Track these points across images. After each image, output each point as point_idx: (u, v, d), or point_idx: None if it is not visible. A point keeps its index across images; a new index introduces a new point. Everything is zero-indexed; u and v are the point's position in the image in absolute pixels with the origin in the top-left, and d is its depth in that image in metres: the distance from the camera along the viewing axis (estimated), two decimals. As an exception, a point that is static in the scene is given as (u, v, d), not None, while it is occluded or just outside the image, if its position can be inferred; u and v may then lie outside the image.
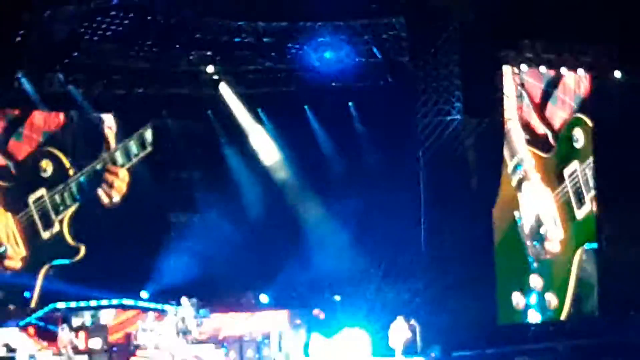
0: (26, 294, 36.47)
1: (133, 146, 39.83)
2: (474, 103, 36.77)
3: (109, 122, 39.09)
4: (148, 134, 40.11)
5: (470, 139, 37.52)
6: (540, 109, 39.72)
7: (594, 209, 40.86)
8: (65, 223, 37.89)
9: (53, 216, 37.78)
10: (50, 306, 34.94)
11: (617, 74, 41.35)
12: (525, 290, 38.51)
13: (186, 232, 40.63)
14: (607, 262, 41.42)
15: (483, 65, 36.72)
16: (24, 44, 33.47)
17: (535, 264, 39.40)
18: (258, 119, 41.10)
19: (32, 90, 36.30)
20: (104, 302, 35.50)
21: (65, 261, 37.23)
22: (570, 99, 40.39)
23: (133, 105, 39.34)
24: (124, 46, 37.25)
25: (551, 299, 39.62)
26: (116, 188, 39.31)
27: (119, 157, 39.41)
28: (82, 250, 37.77)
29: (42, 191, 37.43)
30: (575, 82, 40.48)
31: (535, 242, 39.38)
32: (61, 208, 37.93)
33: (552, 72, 40.01)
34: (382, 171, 38.57)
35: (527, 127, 38.99)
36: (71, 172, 38.38)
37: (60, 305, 34.88)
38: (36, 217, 37.35)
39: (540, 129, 39.78)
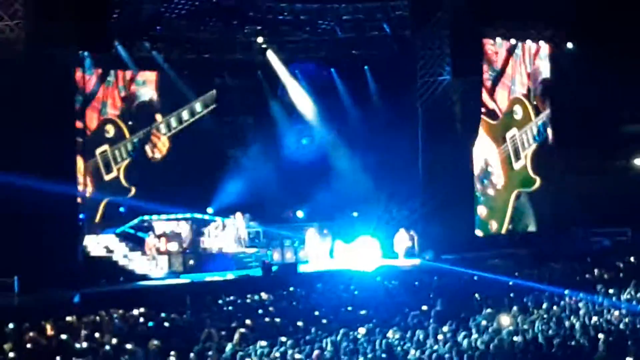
0: (121, 209, 36.92)
1: (198, 106, 40.28)
2: (460, 67, 36.47)
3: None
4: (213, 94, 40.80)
5: (456, 94, 37.37)
6: (490, 92, 40.69)
7: (528, 163, 41.68)
8: (122, 170, 38.22)
9: (113, 165, 37.94)
10: (139, 218, 34.96)
11: (570, 45, 42.07)
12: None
13: (240, 163, 40.75)
14: (559, 191, 42.52)
15: (467, 38, 36.48)
16: (119, 20, 33.61)
17: (481, 198, 40.39)
18: (295, 79, 41.43)
19: (125, 55, 36.73)
20: (180, 216, 35.16)
21: (119, 198, 37.26)
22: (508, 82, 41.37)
23: (201, 67, 39.77)
24: (195, 22, 37.55)
25: (492, 224, 40.75)
26: (159, 149, 39.82)
27: (163, 127, 39.54)
28: (133, 190, 37.80)
29: (105, 147, 37.52)
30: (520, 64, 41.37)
31: (482, 182, 40.38)
32: (119, 160, 38.15)
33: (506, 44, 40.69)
34: (390, 118, 38.71)
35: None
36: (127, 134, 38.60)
37: (147, 217, 34.94)
38: (100, 164, 37.31)
39: (490, 104, 40.73)
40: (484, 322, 21.73)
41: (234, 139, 41.96)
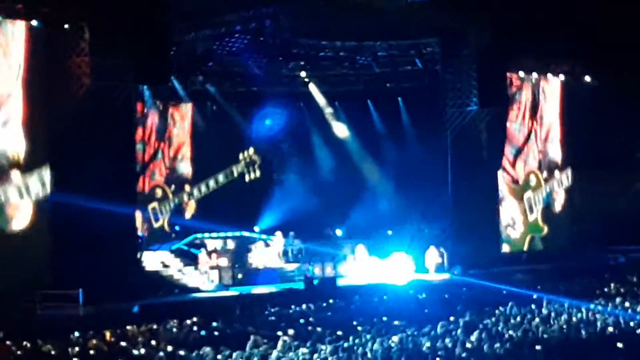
0: (176, 227, 36.87)
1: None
2: (485, 98, 36.45)
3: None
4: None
5: (482, 123, 37.50)
6: (512, 164, 41.16)
7: (539, 216, 41.94)
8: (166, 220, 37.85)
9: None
10: (193, 236, 34.97)
11: (587, 78, 41.82)
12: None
13: (283, 187, 41.13)
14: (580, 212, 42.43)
15: (492, 72, 36.44)
16: (176, 57, 33.61)
17: (507, 240, 40.39)
18: (335, 108, 41.39)
19: (180, 89, 36.92)
20: (229, 234, 35.39)
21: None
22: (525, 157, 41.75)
23: (249, 99, 40.07)
24: (244, 58, 37.18)
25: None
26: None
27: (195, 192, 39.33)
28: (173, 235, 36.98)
29: (154, 204, 37.12)
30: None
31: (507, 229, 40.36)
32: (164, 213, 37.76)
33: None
34: (421, 145, 38.71)
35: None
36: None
37: (199, 235, 35.05)
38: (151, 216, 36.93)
39: (512, 173, 41.01)
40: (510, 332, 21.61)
41: (278, 163, 42.10)
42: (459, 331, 21.64)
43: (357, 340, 20.63)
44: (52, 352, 20.59)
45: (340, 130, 41.30)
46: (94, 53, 28.99)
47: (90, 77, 28.95)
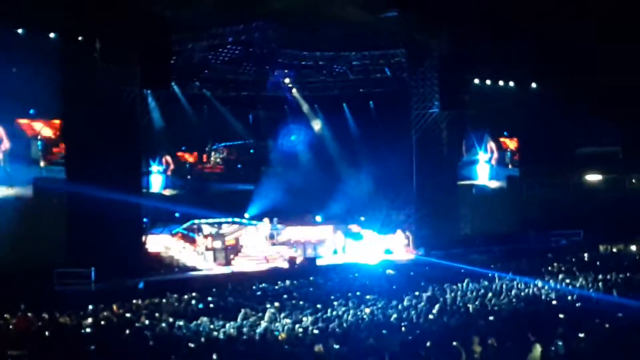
0: (176, 214, 36.47)
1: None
2: (446, 101, 36.40)
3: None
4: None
5: (443, 123, 37.36)
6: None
7: None
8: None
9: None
10: (190, 222, 34.78)
11: (534, 84, 42.02)
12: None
13: (269, 178, 40.86)
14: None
15: (452, 78, 36.34)
16: (176, 65, 33.50)
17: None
18: (314, 110, 41.35)
19: (179, 93, 36.76)
20: (223, 220, 35.31)
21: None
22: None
23: (240, 102, 39.96)
24: (235, 66, 37.56)
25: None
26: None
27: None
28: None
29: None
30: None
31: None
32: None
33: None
34: (389, 142, 38.41)
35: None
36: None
37: (197, 220, 34.83)
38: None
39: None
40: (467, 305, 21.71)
41: (264, 159, 42.05)
42: (422, 304, 21.76)
43: (334, 313, 20.72)
44: (68, 323, 20.57)
45: (316, 124, 41.18)
46: (104, 61, 28.97)
47: (101, 82, 28.93)
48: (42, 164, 29.13)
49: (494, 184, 41.59)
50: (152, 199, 34.45)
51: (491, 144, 41.47)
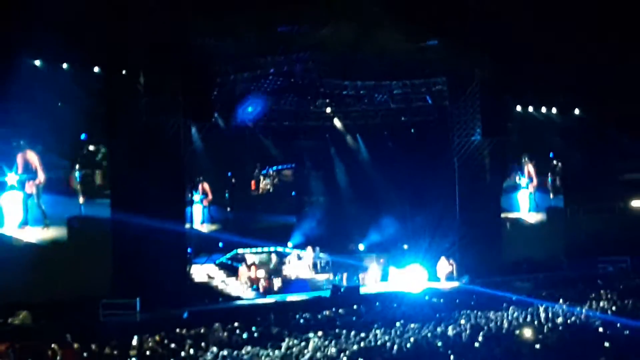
0: (220, 244, 36.75)
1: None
2: (488, 129, 36.34)
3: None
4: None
5: (486, 151, 37.18)
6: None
7: None
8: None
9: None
10: (234, 251, 35.00)
11: (577, 111, 41.67)
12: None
13: (313, 208, 41.16)
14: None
15: (494, 105, 36.24)
16: (218, 96, 33.80)
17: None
18: (356, 139, 41.37)
19: (222, 124, 36.65)
20: (266, 249, 35.47)
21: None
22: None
23: (284, 132, 40.18)
24: (277, 97, 37.64)
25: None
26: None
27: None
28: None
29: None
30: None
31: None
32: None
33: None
34: (432, 170, 38.07)
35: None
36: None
37: (240, 250, 35.08)
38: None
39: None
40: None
41: (307, 188, 41.98)
42: (467, 332, 21.53)
43: (378, 342, 20.57)
44: (114, 353, 20.64)
45: (360, 157, 41.03)
46: (148, 93, 29.28)
47: (145, 114, 29.22)
48: (80, 199, 29.12)
49: (535, 217, 41.09)
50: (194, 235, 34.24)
51: (530, 170, 40.96)
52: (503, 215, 39.14)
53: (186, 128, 31.10)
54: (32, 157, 27.94)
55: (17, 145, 27.55)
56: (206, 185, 38.21)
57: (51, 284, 27.29)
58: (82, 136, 29.04)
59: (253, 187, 40.88)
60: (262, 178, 41.03)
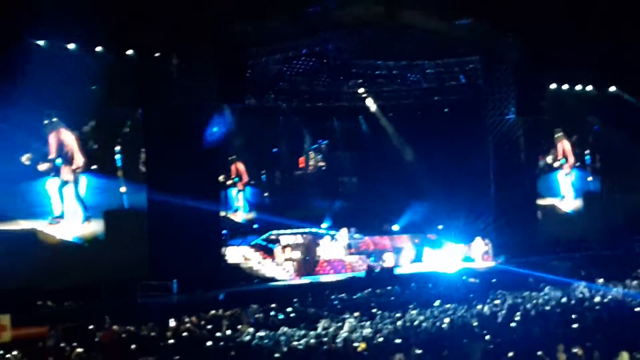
0: (255, 226, 37.11)
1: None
2: (522, 107, 36.12)
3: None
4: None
5: (520, 129, 37.02)
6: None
7: None
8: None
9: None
10: (269, 233, 35.15)
11: (612, 88, 41.23)
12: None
13: (347, 188, 41.28)
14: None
15: (528, 84, 35.93)
16: (251, 78, 33.74)
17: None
18: (389, 120, 41.00)
19: (255, 105, 36.46)
20: (301, 230, 35.49)
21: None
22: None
23: (315, 113, 40.02)
24: (310, 78, 37.48)
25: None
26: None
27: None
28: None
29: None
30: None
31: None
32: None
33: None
34: (466, 150, 37.94)
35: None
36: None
37: (275, 231, 35.15)
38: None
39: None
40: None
41: (341, 169, 41.93)
42: (503, 312, 21.47)
43: (414, 322, 20.57)
44: (152, 334, 20.85)
45: (394, 137, 40.66)
46: (181, 76, 29.39)
47: (178, 96, 29.31)
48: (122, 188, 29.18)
49: (572, 204, 40.72)
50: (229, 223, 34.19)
51: (566, 149, 40.64)
52: (540, 201, 38.84)
53: (219, 110, 31.18)
54: (68, 137, 27.96)
55: (50, 122, 27.22)
56: (240, 166, 38.27)
57: (89, 267, 27.57)
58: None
59: (302, 164, 40.91)
60: (311, 154, 41.09)
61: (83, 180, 28.22)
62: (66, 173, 27.82)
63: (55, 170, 27.58)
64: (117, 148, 29.12)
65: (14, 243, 26.08)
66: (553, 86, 39.30)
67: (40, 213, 27.12)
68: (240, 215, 37.81)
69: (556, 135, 40.28)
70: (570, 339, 16.94)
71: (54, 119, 27.40)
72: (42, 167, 27.15)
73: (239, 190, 38.10)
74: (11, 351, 18.98)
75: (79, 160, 28.11)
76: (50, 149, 27.36)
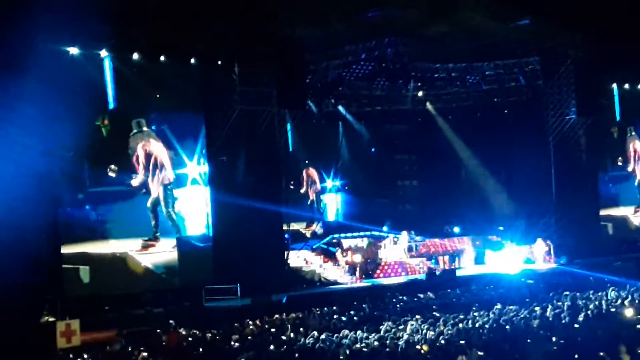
0: (317, 231, 37.36)
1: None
2: (583, 107, 35.78)
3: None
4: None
5: (581, 130, 36.64)
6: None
7: None
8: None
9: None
10: (330, 237, 35.29)
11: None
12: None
13: (405, 191, 41.36)
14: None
15: (589, 84, 35.58)
16: (311, 84, 34.00)
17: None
18: (448, 122, 40.99)
19: (315, 110, 37.19)
20: (362, 233, 35.50)
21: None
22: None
23: (373, 116, 40.15)
24: (369, 82, 37.69)
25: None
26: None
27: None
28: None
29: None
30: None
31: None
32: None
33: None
34: (527, 150, 37.78)
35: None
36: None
37: (336, 235, 35.34)
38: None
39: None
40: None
41: (400, 172, 41.97)
42: (565, 314, 21.26)
43: (476, 324, 20.49)
44: (217, 338, 21.08)
45: (453, 139, 40.57)
46: (243, 83, 29.65)
47: (240, 103, 29.60)
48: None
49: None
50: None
51: (638, 149, 40.08)
52: (605, 212, 38.45)
53: (280, 116, 31.41)
54: (158, 149, 27.94)
55: (140, 132, 26.92)
56: (313, 171, 38.51)
57: (158, 269, 28.03)
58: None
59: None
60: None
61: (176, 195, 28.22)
62: (156, 188, 27.88)
63: (145, 186, 27.63)
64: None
65: (103, 270, 26.32)
66: (614, 86, 38.73)
67: (133, 232, 27.05)
68: (315, 227, 37.89)
69: (628, 136, 39.69)
70: (634, 340, 16.70)
71: (145, 128, 27.74)
72: (135, 182, 27.11)
73: (314, 199, 38.41)
74: (81, 355, 19.37)
75: (170, 174, 28.29)
76: (139, 162, 27.39)
